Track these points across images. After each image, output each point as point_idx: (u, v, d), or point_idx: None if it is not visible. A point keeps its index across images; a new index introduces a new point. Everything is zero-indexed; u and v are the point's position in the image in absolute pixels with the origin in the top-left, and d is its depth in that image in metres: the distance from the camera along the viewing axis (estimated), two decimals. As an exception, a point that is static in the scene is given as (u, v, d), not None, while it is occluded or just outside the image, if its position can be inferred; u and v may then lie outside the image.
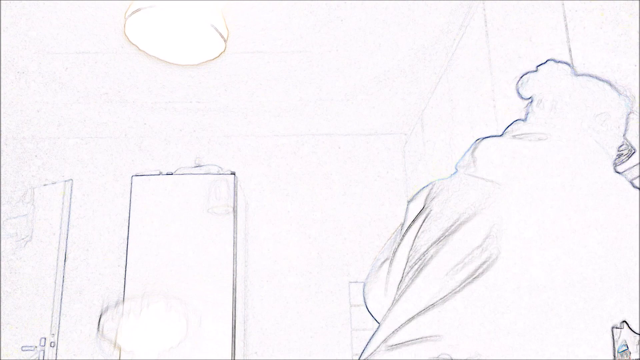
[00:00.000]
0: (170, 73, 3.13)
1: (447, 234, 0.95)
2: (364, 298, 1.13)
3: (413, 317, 0.87)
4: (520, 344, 0.80)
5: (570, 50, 1.56)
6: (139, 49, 2.17)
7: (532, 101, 1.05)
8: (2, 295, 3.63)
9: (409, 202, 1.12)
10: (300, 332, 3.74)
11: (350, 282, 3.79)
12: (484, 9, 2.26)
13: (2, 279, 3.66)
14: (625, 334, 1.34)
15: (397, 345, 0.85)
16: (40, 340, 3.50)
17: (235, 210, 3.47)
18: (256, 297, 3.83)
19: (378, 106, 3.64)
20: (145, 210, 3.46)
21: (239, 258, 3.52)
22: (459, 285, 0.85)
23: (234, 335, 3.27)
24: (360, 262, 3.79)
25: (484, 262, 0.86)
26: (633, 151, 1.06)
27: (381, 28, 2.71)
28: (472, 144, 1.01)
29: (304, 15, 2.60)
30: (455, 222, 0.95)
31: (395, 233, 1.13)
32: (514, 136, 1.01)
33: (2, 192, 3.85)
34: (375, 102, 3.57)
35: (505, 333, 0.81)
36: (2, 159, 3.90)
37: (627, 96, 1.03)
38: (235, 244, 3.42)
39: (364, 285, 1.15)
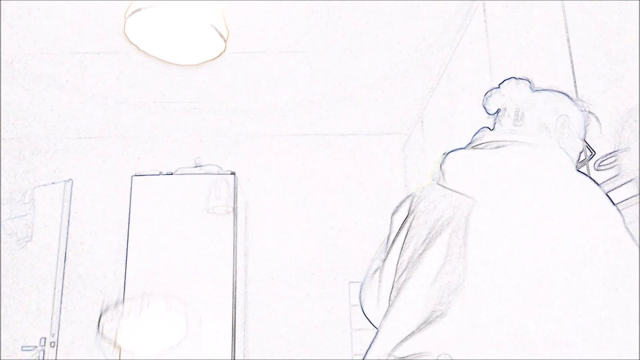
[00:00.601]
0: (170, 73, 3.13)
1: (419, 251, 1.01)
2: (361, 304, 1.19)
3: (410, 335, 0.92)
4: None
5: (570, 51, 1.56)
6: (139, 49, 2.17)
7: (497, 114, 1.13)
8: (2, 295, 3.63)
9: (392, 214, 1.17)
10: (300, 332, 3.74)
11: (350, 282, 3.79)
12: (484, 9, 2.26)
13: (2, 279, 3.66)
14: None
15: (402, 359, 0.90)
16: (40, 340, 3.50)
17: (235, 210, 3.47)
18: (256, 297, 3.83)
19: (378, 106, 3.64)
20: (145, 210, 3.46)
21: (239, 258, 3.52)
22: (436, 305, 0.91)
23: (234, 335, 3.27)
24: (360, 262, 3.79)
25: (452, 278, 0.92)
26: (593, 154, 1.14)
27: (381, 28, 2.71)
28: (443, 156, 1.05)
29: (304, 15, 2.60)
30: (429, 234, 1.01)
31: (385, 241, 1.18)
32: (474, 146, 1.08)
33: (2, 192, 3.85)
34: (375, 102, 3.57)
35: (497, 343, 0.85)
36: (2, 159, 3.90)
37: (583, 104, 1.13)
38: (235, 244, 3.42)
39: (360, 292, 1.20)
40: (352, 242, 3.88)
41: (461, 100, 2.62)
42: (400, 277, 1.03)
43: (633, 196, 1.31)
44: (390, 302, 1.02)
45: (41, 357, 3.46)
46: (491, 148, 1.03)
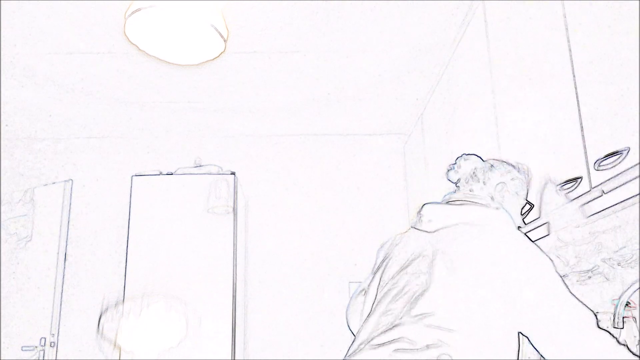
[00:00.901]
0: (170, 73, 3.13)
1: (394, 275, 1.35)
2: (347, 319, 1.52)
3: (384, 330, 1.23)
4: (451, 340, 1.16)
5: (570, 50, 1.56)
6: (139, 49, 2.17)
7: (458, 182, 1.53)
8: (2, 295, 3.63)
9: (378, 250, 1.54)
10: (300, 332, 3.74)
11: (350, 282, 3.79)
12: (484, 9, 2.26)
13: (2, 279, 3.67)
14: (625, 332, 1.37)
15: (378, 345, 1.21)
16: (40, 340, 3.50)
17: (235, 210, 3.47)
18: (256, 297, 3.83)
19: (378, 106, 3.64)
20: (145, 210, 3.46)
21: (239, 258, 3.52)
22: (404, 306, 1.24)
23: (234, 336, 3.27)
24: (360, 262, 3.79)
25: (418, 288, 1.24)
26: (532, 206, 1.52)
27: (381, 28, 2.71)
28: (421, 206, 1.46)
29: (303, 15, 2.60)
30: (405, 262, 1.35)
31: (372, 270, 1.53)
32: (446, 202, 1.45)
33: (2, 192, 3.85)
34: (375, 102, 3.57)
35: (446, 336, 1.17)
36: (2, 159, 3.90)
37: (521, 170, 1.49)
38: (235, 244, 3.42)
39: (347, 308, 1.53)
40: (352, 242, 3.88)
41: (461, 100, 2.62)
42: (379, 293, 1.36)
43: (633, 196, 1.32)
44: (371, 312, 1.34)
45: (41, 357, 3.46)
46: (455, 205, 1.41)
